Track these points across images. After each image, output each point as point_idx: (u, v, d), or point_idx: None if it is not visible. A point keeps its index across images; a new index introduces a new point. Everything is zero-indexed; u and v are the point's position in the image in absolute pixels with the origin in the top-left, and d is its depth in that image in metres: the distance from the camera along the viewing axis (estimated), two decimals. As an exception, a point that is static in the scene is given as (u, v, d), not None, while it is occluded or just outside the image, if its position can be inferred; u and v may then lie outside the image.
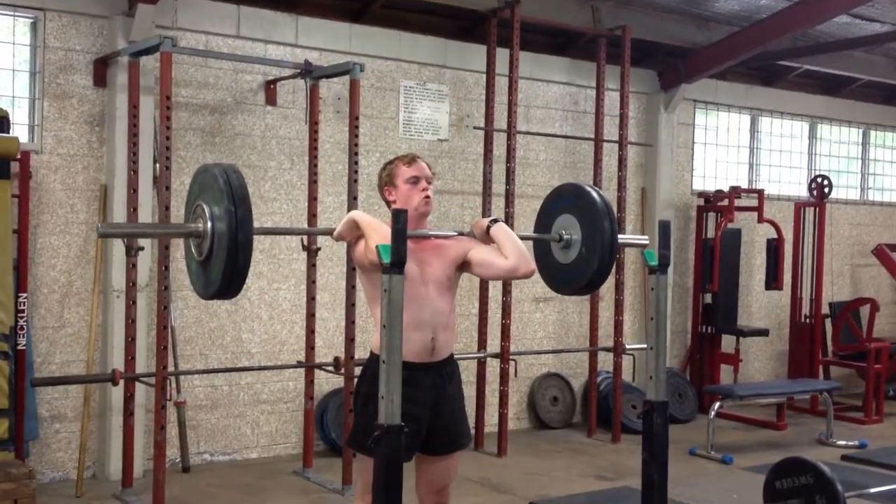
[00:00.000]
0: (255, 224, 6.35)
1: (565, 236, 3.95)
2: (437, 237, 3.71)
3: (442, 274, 3.62)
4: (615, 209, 7.91)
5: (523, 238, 3.81)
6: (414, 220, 3.53)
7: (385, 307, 2.95)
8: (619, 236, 3.96)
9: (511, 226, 7.17)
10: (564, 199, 4.02)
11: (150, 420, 6.00)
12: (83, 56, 6.12)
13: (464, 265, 3.70)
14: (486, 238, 3.69)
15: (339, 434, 6.65)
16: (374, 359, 3.52)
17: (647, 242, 4.54)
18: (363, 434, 3.35)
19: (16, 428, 5.63)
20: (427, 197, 3.63)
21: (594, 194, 3.91)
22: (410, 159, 3.69)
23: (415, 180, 3.62)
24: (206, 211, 3.15)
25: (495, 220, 3.70)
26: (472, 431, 7.13)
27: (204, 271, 3.22)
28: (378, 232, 3.35)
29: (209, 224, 3.14)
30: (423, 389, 3.53)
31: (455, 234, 3.77)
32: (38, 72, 6.05)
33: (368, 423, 3.19)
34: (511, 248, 3.61)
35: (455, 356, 3.79)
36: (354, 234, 3.50)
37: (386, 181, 3.69)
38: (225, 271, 3.09)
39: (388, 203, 3.68)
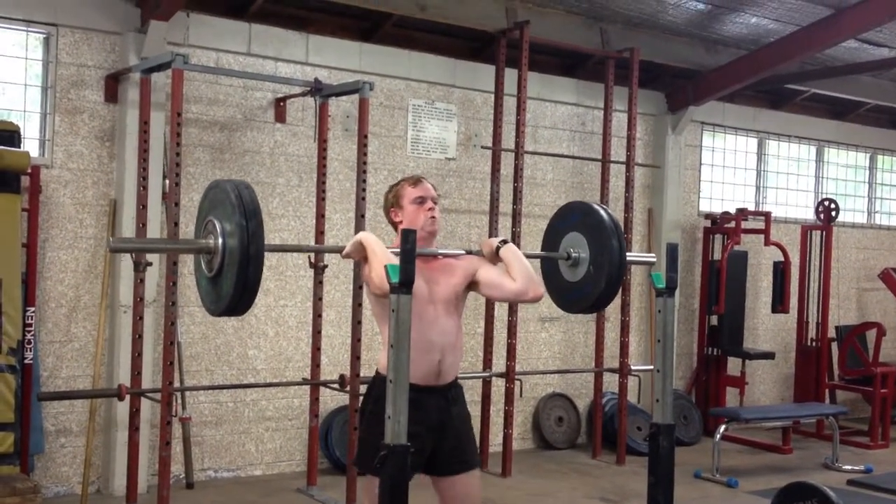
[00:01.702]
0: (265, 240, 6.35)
1: (573, 254, 3.95)
2: (445, 255, 3.71)
3: (450, 293, 3.62)
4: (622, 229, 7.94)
5: (531, 256, 3.82)
6: (422, 239, 3.53)
7: (393, 327, 2.95)
8: (627, 254, 3.96)
9: (518, 245, 7.18)
10: (572, 217, 4.03)
11: (154, 435, 6.00)
12: (95, 72, 6.16)
13: (472, 285, 3.70)
14: (495, 258, 3.70)
15: (344, 452, 6.63)
16: (379, 378, 3.52)
17: (654, 260, 4.54)
18: (368, 453, 3.34)
19: (21, 442, 5.63)
20: (433, 217, 3.64)
21: (602, 212, 3.91)
22: (415, 180, 3.70)
23: (420, 200, 3.63)
24: (217, 226, 3.14)
25: (505, 241, 3.71)
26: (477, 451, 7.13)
27: (214, 287, 3.21)
28: (381, 261, 3.32)
29: (220, 240, 3.12)
30: (427, 411, 3.51)
31: (463, 252, 3.77)
32: (50, 87, 6.09)
33: (373, 443, 3.18)
34: (520, 271, 3.62)
35: (460, 375, 3.78)
36: (361, 254, 3.51)
37: (392, 203, 3.71)
38: (236, 286, 3.06)
39: (395, 225, 3.69)
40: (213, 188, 3.25)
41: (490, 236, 7.23)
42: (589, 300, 3.95)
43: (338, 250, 3.70)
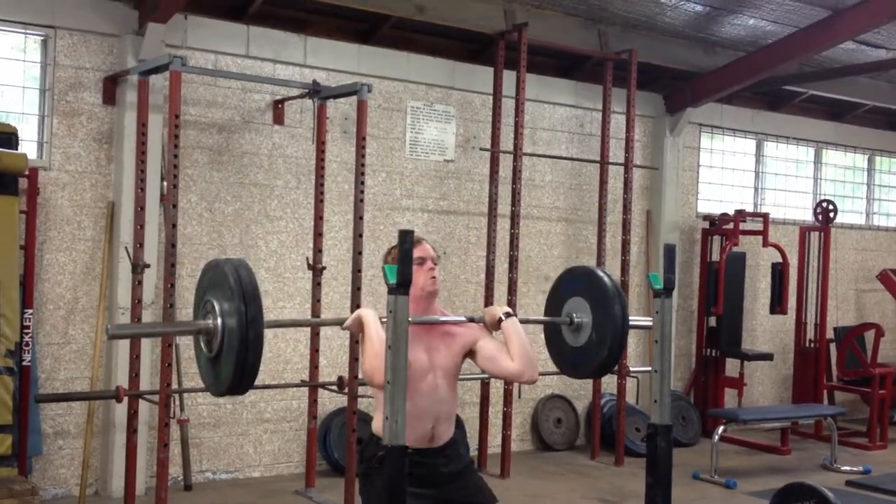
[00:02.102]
0: (261, 242, 6.35)
1: (576, 319, 3.96)
2: (446, 323, 3.70)
3: (450, 361, 3.63)
4: (620, 231, 7.95)
5: (535, 322, 3.81)
6: (422, 299, 3.57)
7: (391, 328, 2.96)
8: (630, 319, 3.97)
9: (515, 248, 7.20)
10: (575, 282, 4.03)
11: (153, 437, 6.00)
12: (93, 74, 6.17)
13: (469, 353, 3.72)
14: (496, 326, 3.71)
15: (342, 454, 6.63)
16: (373, 441, 3.49)
17: (651, 325, 4.55)
18: None
19: (19, 444, 5.62)
20: (433, 277, 3.62)
21: (605, 279, 3.91)
22: (415, 241, 3.58)
23: (420, 261, 3.57)
24: (216, 307, 3.09)
25: (510, 314, 3.72)
26: (476, 453, 7.13)
27: (213, 368, 3.17)
28: (374, 345, 3.36)
29: (219, 321, 3.08)
30: (423, 468, 3.47)
31: (465, 319, 3.76)
32: (48, 89, 6.09)
33: (374, 498, 3.30)
34: (519, 350, 3.65)
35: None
36: (361, 329, 3.52)
37: (392, 263, 3.65)
38: (235, 371, 3.03)
39: None
40: (212, 268, 3.19)
41: (489, 240, 7.24)
42: (591, 366, 3.96)
43: (338, 322, 3.69)
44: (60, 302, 6.11)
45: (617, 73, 7.91)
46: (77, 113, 6.14)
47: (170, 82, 5.51)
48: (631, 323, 4.13)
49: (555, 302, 4.09)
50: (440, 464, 3.58)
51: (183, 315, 6.41)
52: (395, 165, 7.38)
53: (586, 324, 3.92)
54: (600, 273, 3.99)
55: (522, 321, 3.85)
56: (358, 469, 3.73)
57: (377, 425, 3.44)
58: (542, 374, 7.92)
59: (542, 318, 4.13)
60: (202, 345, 3.21)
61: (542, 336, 4.08)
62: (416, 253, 3.58)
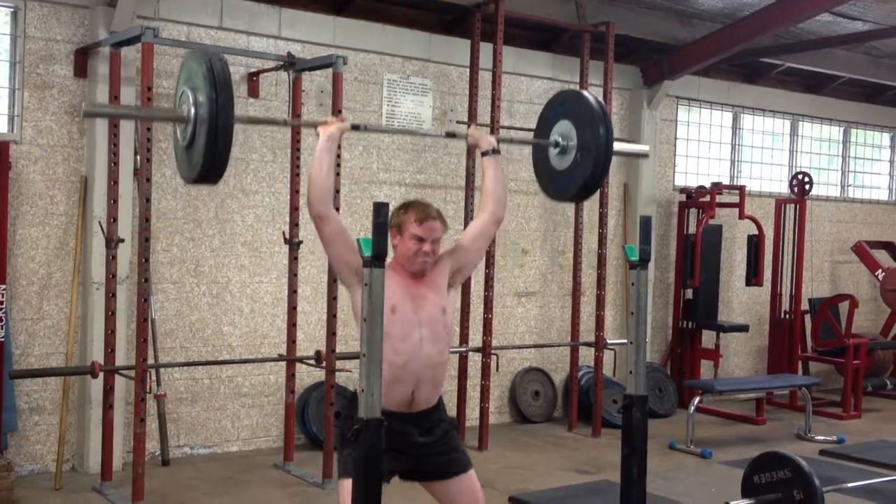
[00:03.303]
0: (237, 217, 6.31)
1: (561, 142, 3.99)
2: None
3: (437, 311, 3.55)
4: (597, 205, 7.95)
5: (523, 142, 3.82)
6: (405, 268, 3.54)
7: (366, 300, 2.94)
8: (617, 144, 4.00)
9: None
10: (563, 105, 4.06)
11: (129, 413, 5.98)
12: (64, 46, 6.08)
13: (457, 271, 3.67)
14: (475, 148, 3.83)
15: (320, 428, 6.64)
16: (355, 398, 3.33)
17: (646, 150, 4.61)
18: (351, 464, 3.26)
19: (-6, 420, 5.60)
20: (425, 260, 3.54)
21: (591, 100, 3.93)
22: (423, 217, 3.56)
23: (420, 240, 3.54)
24: (190, 97, 3.22)
25: (496, 151, 3.76)
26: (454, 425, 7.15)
27: (187, 156, 3.33)
28: (319, 169, 3.47)
29: (192, 110, 3.21)
30: (396, 435, 3.41)
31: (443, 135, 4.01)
32: (18, 62, 6.00)
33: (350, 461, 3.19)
34: (493, 188, 3.72)
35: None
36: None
37: (395, 225, 3.58)
38: (205, 156, 3.18)
39: (393, 245, 3.57)
40: (189, 58, 3.33)
41: (466, 213, 7.21)
42: (574, 188, 4.02)
43: (313, 125, 3.71)
44: (34, 277, 6.05)
45: (594, 46, 7.88)
46: (48, 86, 6.05)
47: (142, 54, 5.43)
48: (617, 148, 4.18)
49: (544, 127, 4.12)
50: (412, 432, 3.51)
51: (160, 290, 6.38)
52: (372, 139, 7.34)
53: (571, 147, 3.97)
54: (587, 95, 4.01)
55: (513, 141, 3.90)
56: (340, 424, 3.60)
57: None
58: (519, 347, 8.07)
59: (529, 139, 4.18)
60: (178, 134, 3.37)
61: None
62: (420, 232, 3.53)
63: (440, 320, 3.56)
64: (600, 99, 4.02)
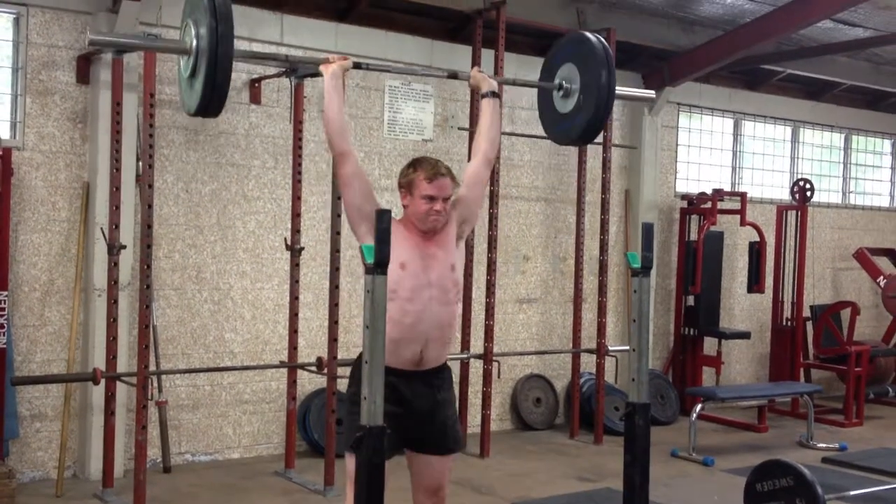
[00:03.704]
0: (239, 223, 6.32)
1: (565, 85, 4.02)
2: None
3: (446, 267, 3.56)
4: (598, 211, 7.95)
5: (527, 84, 4.16)
6: (416, 227, 3.56)
7: (368, 308, 2.94)
8: (619, 88, 4.02)
9: (494, 228, 7.19)
10: (568, 48, 4.10)
11: (131, 420, 5.97)
12: (66, 52, 6.08)
13: (462, 224, 3.68)
14: (476, 89, 3.93)
15: (322, 435, 6.62)
16: (362, 360, 3.50)
17: (652, 94, 4.63)
18: (351, 435, 3.35)
19: (-5, 427, 5.59)
20: (436, 218, 3.54)
21: (595, 42, 3.95)
22: (432, 175, 3.55)
23: (430, 199, 3.53)
24: (192, 29, 3.30)
25: (495, 94, 3.82)
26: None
27: (190, 87, 3.40)
28: (332, 98, 3.52)
29: (194, 42, 3.28)
30: (404, 395, 3.49)
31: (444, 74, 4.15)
32: (21, 68, 6.00)
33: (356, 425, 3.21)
34: (487, 128, 3.78)
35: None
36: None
37: (404, 185, 3.60)
38: (205, 85, 3.25)
39: (403, 205, 3.63)
40: None
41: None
42: (578, 129, 4.05)
43: (316, 63, 3.77)
44: (36, 283, 6.04)
45: (596, 52, 7.87)
46: (50, 92, 6.05)
47: (144, 61, 5.45)
48: (620, 91, 4.21)
49: (548, 70, 4.15)
50: (424, 393, 3.54)
51: (161, 296, 6.38)
52: (374, 145, 7.34)
53: (575, 90, 4.00)
54: (590, 37, 4.03)
55: (516, 82, 3.91)
56: (347, 391, 3.67)
57: None
58: (520, 354, 8.06)
59: (532, 81, 4.24)
60: (181, 66, 3.46)
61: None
62: (430, 191, 3.53)
63: (449, 278, 3.57)
64: (603, 40, 4.03)
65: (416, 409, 3.54)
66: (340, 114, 3.54)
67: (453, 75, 4.22)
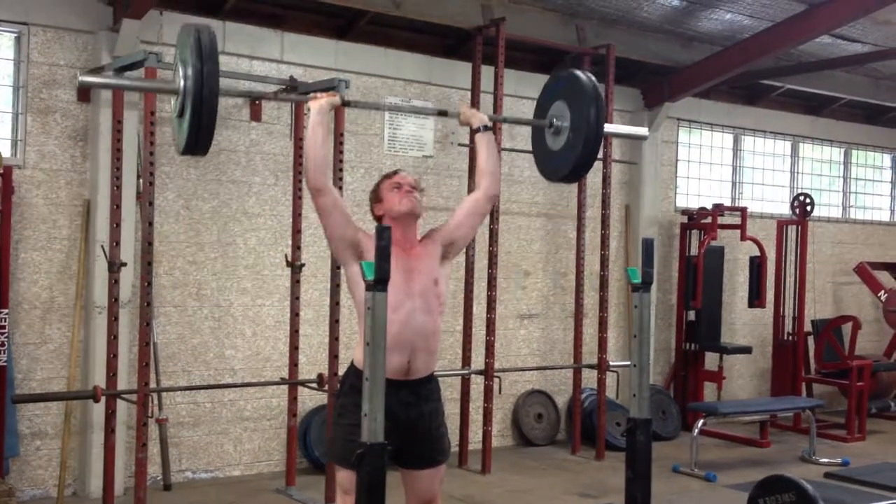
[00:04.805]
0: (239, 240, 6.32)
1: (555, 123, 4.04)
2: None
3: (430, 282, 3.62)
4: (599, 227, 7.95)
5: (520, 122, 3.86)
6: (399, 221, 3.63)
7: (368, 325, 2.94)
8: (608, 125, 4.05)
9: (495, 244, 7.19)
10: (559, 84, 4.10)
11: (131, 437, 5.96)
12: (67, 71, 6.10)
13: (448, 245, 3.75)
14: (466, 124, 3.95)
15: (323, 452, 6.61)
16: (353, 371, 3.57)
17: (645, 133, 4.66)
18: (338, 445, 3.45)
19: (-5, 445, 5.58)
20: (411, 196, 3.67)
21: (584, 80, 3.96)
22: (391, 173, 3.79)
23: (397, 186, 3.68)
24: (181, 70, 3.32)
25: (487, 128, 3.84)
26: (456, 449, 7.12)
27: (179, 126, 3.41)
28: (315, 133, 3.54)
29: (182, 82, 3.31)
30: (391, 405, 3.48)
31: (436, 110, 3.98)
32: (22, 86, 6.03)
33: (339, 433, 3.36)
34: (486, 163, 3.80)
35: (438, 373, 3.78)
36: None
37: (373, 199, 3.78)
38: (191, 126, 3.27)
39: (379, 219, 3.73)
40: (181, 31, 3.42)
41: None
42: (566, 169, 4.07)
43: (306, 100, 3.78)
44: (36, 301, 6.05)
45: (595, 69, 7.90)
46: (51, 110, 6.07)
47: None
48: (610, 129, 4.23)
49: (542, 107, 4.18)
50: (411, 402, 3.57)
51: (162, 313, 6.38)
52: (374, 161, 7.35)
53: (565, 127, 4.01)
54: (580, 75, 4.04)
55: (507, 120, 3.93)
56: (336, 403, 3.73)
57: (358, 357, 3.50)
58: (521, 369, 8.05)
59: (523, 118, 4.26)
60: (173, 105, 3.49)
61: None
62: (393, 180, 3.70)
63: (432, 291, 3.64)
64: (594, 79, 4.05)
65: (402, 420, 3.54)
66: (323, 149, 3.59)
67: (443, 113, 4.25)
